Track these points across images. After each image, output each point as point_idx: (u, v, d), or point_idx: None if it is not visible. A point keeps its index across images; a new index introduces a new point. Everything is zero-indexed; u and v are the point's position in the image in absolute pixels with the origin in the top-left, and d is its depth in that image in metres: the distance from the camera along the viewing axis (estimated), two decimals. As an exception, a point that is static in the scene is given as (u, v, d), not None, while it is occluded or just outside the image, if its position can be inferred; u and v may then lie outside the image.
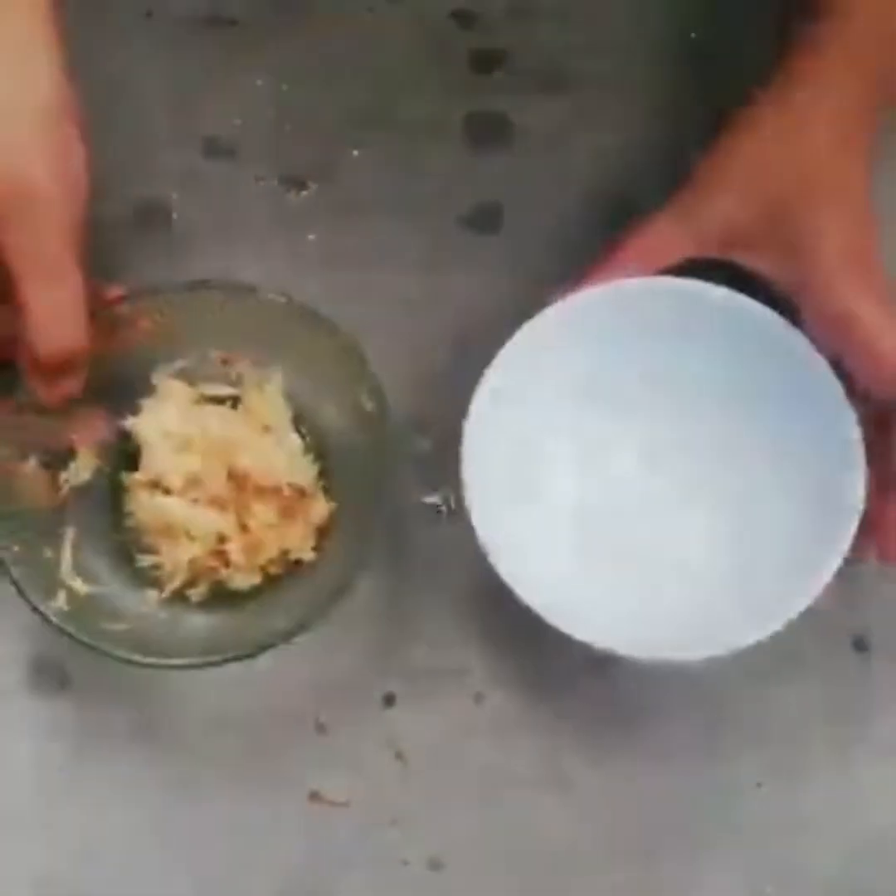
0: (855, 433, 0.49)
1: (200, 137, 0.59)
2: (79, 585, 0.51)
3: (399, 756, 0.54)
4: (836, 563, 0.48)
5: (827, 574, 0.48)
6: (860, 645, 0.55)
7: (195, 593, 0.53)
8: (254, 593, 0.54)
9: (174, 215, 0.59)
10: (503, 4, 0.61)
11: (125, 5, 0.60)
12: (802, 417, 0.51)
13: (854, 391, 0.50)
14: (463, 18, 0.61)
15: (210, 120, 0.59)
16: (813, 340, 0.50)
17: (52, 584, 0.50)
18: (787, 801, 0.54)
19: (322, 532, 0.54)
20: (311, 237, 0.58)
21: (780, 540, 0.51)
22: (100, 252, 0.58)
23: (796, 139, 0.50)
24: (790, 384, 0.51)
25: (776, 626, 0.48)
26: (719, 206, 0.50)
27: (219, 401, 0.55)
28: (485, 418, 0.50)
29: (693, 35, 0.60)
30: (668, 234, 0.51)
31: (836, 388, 0.50)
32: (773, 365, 0.51)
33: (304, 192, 0.59)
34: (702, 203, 0.50)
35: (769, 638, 0.48)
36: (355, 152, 0.59)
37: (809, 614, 0.55)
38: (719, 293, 0.50)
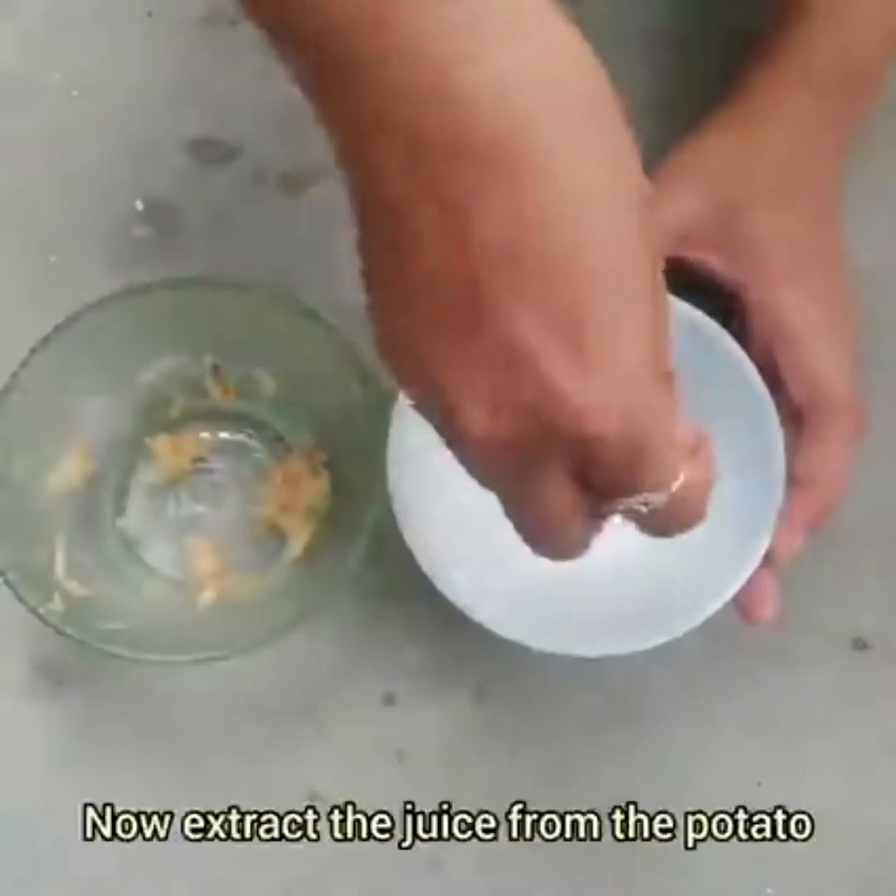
0: (779, 443, 0.50)
1: (200, 137, 0.59)
2: (74, 587, 0.51)
3: (399, 756, 0.54)
4: (754, 562, 0.49)
5: (746, 572, 0.49)
6: (860, 645, 0.55)
7: (202, 597, 0.54)
8: (252, 588, 0.54)
9: (174, 215, 0.59)
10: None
11: (125, 5, 0.60)
12: (730, 423, 0.51)
13: (779, 391, 0.50)
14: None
15: (210, 120, 0.59)
16: (751, 339, 0.51)
17: (47, 586, 0.50)
18: (787, 801, 0.54)
19: (321, 525, 0.54)
20: (310, 237, 0.58)
21: (702, 538, 0.51)
22: (100, 252, 0.58)
23: (754, 146, 0.51)
24: (722, 388, 0.51)
25: (689, 625, 0.49)
26: (677, 203, 0.51)
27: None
28: (409, 421, 0.50)
29: (692, 35, 0.60)
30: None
31: (766, 397, 0.50)
32: (708, 368, 0.51)
33: (304, 192, 0.59)
34: (660, 201, 0.51)
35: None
36: (355, 152, 0.59)
37: (809, 614, 0.55)
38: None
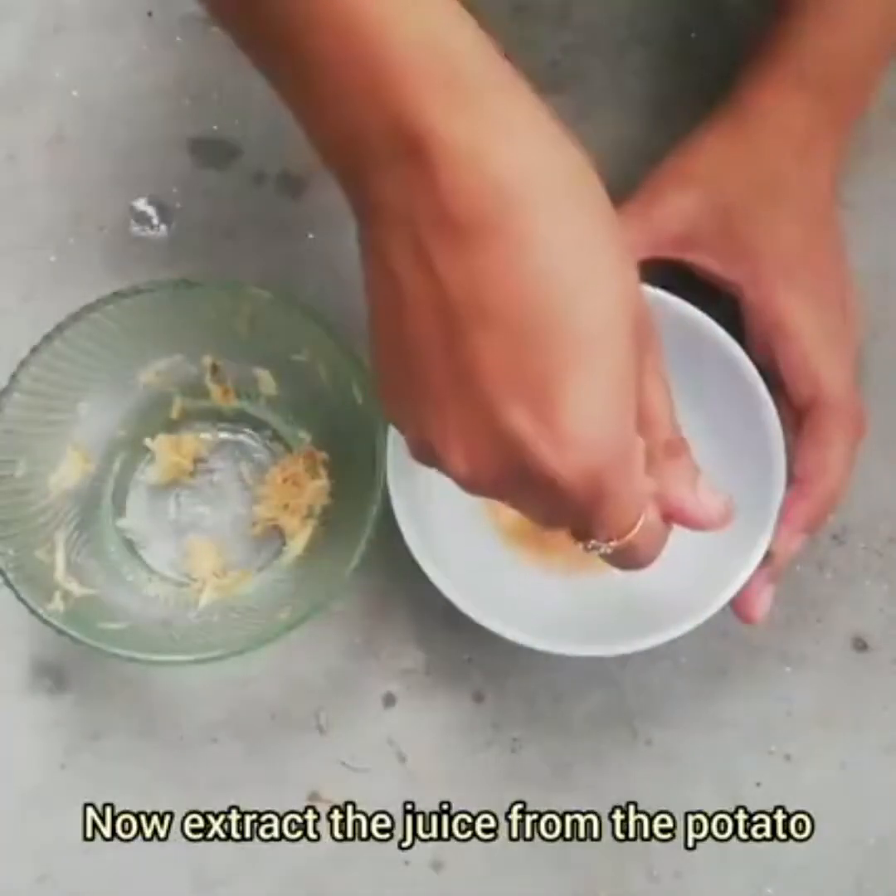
0: (779, 444, 0.50)
1: (201, 137, 0.59)
2: (75, 587, 0.51)
3: (399, 756, 0.54)
4: (754, 562, 0.49)
5: (746, 572, 0.49)
6: (860, 645, 0.55)
7: (202, 596, 0.54)
8: (252, 588, 0.54)
9: (173, 215, 0.59)
10: (503, 4, 0.61)
11: (125, 5, 0.60)
12: (730, 423, 0.51)
13: (779, 392, 0.51)
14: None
15: (210, 120, 0.59)
16: (751, 339, 0.51)
17: (47, 586, 0.50)
18: (787, 801, 0.54)
19: (321, 525, 0.54)
20: (310, 237, 0.58)
21: (703, 539, 0.51)
22: (100, 252, 0.58)
23: (750, 147, 0.52)
24: (723, 390, 0.51)
25: (688, 626, 0.49)
26: (675, 205, 0.51)
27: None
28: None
29: (692, 35, 0.60)
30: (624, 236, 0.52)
31: (765, 398, 0.50)
32: (709, 370, 0.51)
33: (304, 193, 0.59)
34: (658, 204, 0.52)
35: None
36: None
37: (810, 614, 0.55)
38: (664, 298, 0.51)
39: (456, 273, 0.34)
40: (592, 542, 0.38)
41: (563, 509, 0.36)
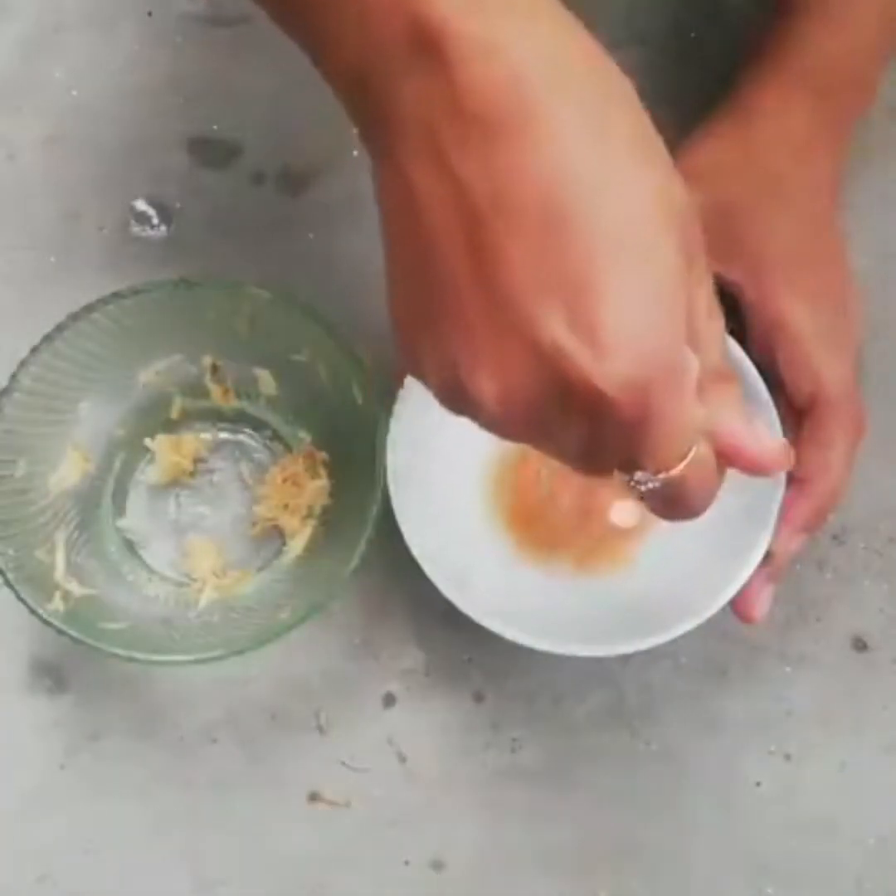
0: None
1: (200, 137, 0.59)
2: (75, 587, 0.51)
3: (399, 756, 0.54)
4: (754, 562, 0.49)
5: (746, 572, 0.49)
6: (860, 645, 0.55)
7: (202, 596, 0.54)
8: (252, 588, 0.54)
9: (173, 215, 0.59)
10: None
11: (125, 5, 0.60)
12: None
13: (779, 392, 0.51)
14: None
15: (210, 120, 0.59)
16: (751, 339, 0.51)
17: (47, 586, 0.50)
18: (787, 801, 0.54)
19: (321, 525, 0.54)
20: (310, 237, 0.58)
21: (703, 538, 0.51)
22: (99, 252, 0.58)
23: (750, 147, 0.52)
24: None
25: (689, 626, 0.49)
26: None
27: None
28: (408, 421, 0.50)
29: (692, 35, 0.60)
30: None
31: (766, 398, 0.50)
32: None
33: (304, 192, 0.59)
34: None
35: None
36: (355, 152, 0.59)
37: (810, 614, 0.55)
38: None
39: (476, 172, 0.31)
40: (639, 474, 0.34)
41: (607, 433, 0.32)
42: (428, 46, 0.31)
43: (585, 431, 0.33)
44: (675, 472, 0.34)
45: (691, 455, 0.34)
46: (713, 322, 0.35)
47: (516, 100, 0.31)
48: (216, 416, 0.56)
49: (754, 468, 0.36)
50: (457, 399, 0.34)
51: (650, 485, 0.34)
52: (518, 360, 0.32)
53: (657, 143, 0.33)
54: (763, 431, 0.36)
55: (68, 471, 0.53)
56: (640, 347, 0.31)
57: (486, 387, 0.32)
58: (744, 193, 0.51)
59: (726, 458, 0.36)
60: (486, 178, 0.31)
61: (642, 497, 0.35)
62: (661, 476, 0.34)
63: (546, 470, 0.54)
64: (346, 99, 0.35)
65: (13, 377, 0.50)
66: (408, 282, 0.34)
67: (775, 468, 0.36)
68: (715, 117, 0.53)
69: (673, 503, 0.35)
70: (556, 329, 0.31)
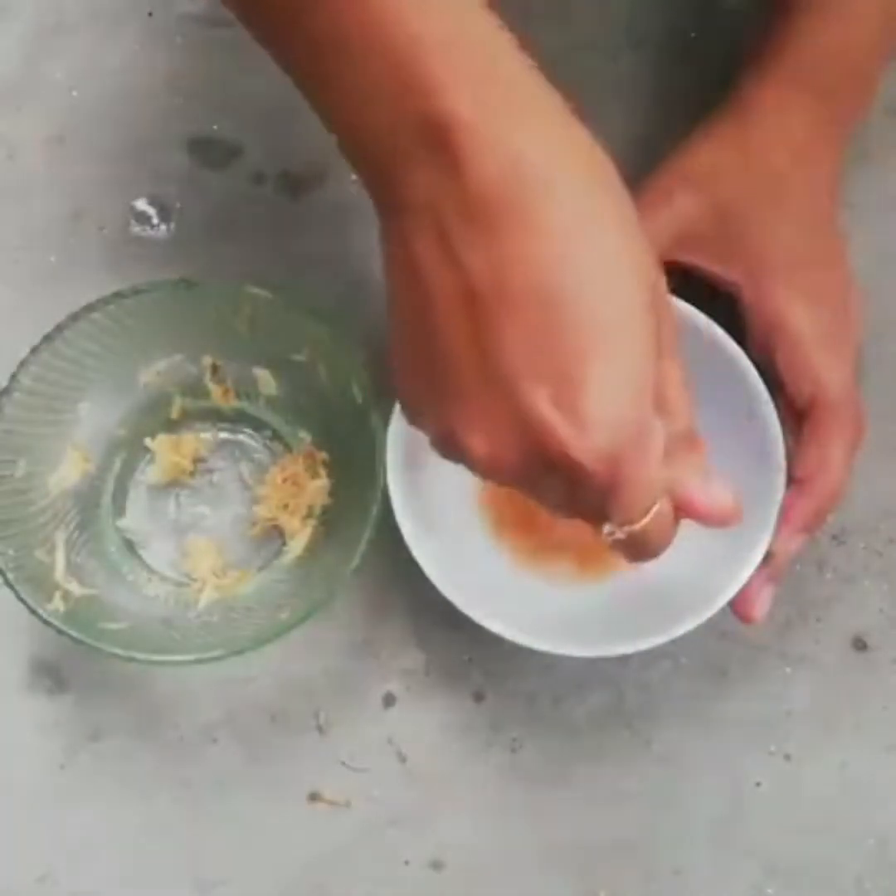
0: (779, 444, 0.50)
1: (200, 137, 0.59)
2: (75, 587, 0.51)
3: (399, 756, 0.54)
4: (754, 562, 0.49)
5: (746, 572, 0.49)
6: (860, 645, 0.55)
7: (202, 596, 0.54)
8: (252, 588, 0.54)
9: (173, 215, 0.59)
10: (503, 4, 0.61)
11: (125, 5, 0.60)
12: (730, 423, 0.51)
13: (779, 393, 0.51)
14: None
15: (210, 120, 0.59)
16: (751, 340, 0.51)
17: (47, 586, 0.50)
18: (787, 801, 0.54)
19: (321, 525, 0.54)
20: (310, 237, 0.58)
21: (703, 539, 0.51)
22: (100, 252, 0.58)
23: (748, 148, 0.52)
24: (723, 390, 0.51)
25: (689, 626, 0.49)
26: (673, 205, 0.51)
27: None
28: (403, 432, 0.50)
29: (692, 35, 0.60)
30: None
31: (766, 399, 0.50)
32: (709, 370, 0.51)
33: (304, 193, 0.59)
34: (658, 205, 0.52)
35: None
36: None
37: (810, 614, 0.55)
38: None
39: (479, 260, 0.34)
40: (607, 527, 0.38)
41: (582, 493, 0.37)
42: (437, 138, 0.34)
43: (563, 491, 0.37)
44: (638, 526, 0.38)
45: (655, 509, 0.38)
46: (684, 392, 0.39)
47: (517, 193, 0.34)
48: (216, 416, 0.56)
49: (705, 522, 0.40)
50: (450, 451, 0.38)
51: (617, 535, 0.38)
52: (507, 430, 0.36)
53: (633, 217, 0.36)
54: (718, 491, 0.40)
55: (68, 471, 0.53)
56: (614, 425, 0.35)
57: (478, 446, 0.36)
58: (743, 194, 0.51)
59: (682, 512, 0.40)
60: (488, 267, 0.34)
61: (611, 544, 0.39)
62: (627, 529, 0.38)
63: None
64: (358, 167, 0.37)
65: (13, 377, 0.50)
66: (410, 346, 0.37)
67: (724, 524, 0.40)
68: (714, 118, 0.53)
69: (635, 549, 0.40)
70: (542, 406, 0.35)
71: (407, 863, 0.54)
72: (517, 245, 0.34)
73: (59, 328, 0.50)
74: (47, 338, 0.50)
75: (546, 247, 0.34)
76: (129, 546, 0.55)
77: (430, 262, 0.35)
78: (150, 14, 0.61)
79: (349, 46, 0.34)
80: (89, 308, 0.50)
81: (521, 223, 0.34)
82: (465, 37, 0.34)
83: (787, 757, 0.54)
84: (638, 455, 0.36)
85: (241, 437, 0.57)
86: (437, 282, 0.35)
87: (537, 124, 0.35)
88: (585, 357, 0.34)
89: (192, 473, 0.56)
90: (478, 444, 0.36)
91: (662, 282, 0.37)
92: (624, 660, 0.54)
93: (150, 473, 0.56)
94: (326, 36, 0.35)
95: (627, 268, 0.35)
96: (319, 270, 0.58)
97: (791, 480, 0.50)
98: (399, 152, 0.35)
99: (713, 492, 0.40)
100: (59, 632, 0.49)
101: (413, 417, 0.39)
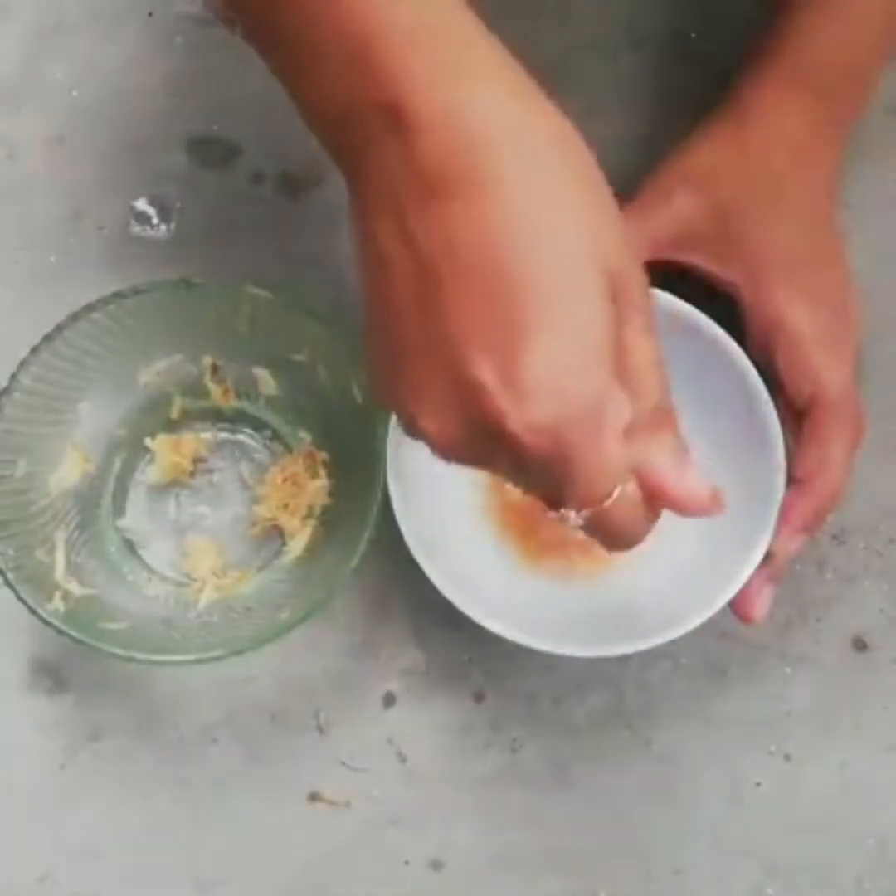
0: (778, 445, 0.50)
1: (200, 137, 0.59)
2: (75, 587, 0.51)
3: (399, 756, 0.54)
4: (754, 562, 0.49)
5: (746, 573, 0.49)
6: (860, 645, 0.55)
7: (202, 596, 0.54)
8: (252, 588, 0.54)
9: (173, 215, 0.59)
10: (503, 4, 0.61)
11: (125, 5, 0.60)
12: (730, 423, 0.51)
13: (779, 393, 0.51)
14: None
15: (209, 120, 0.59)
16: (750, 340, 0.51)
17: (47, 586, 0.50)
18: (787, 801, 0.54)
19: (321, 525, 0.54)
20: (310, 236, 0.58)
21: (703, 539, 0.51)
22: (99, 252, 0.58)
23: (747, 148, 0.52)
24: (722, 390, 0.51)
25: (689, 626, 0.49)
26: (672, 206, 0.51)
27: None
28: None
29: (693, 35, 0.60)
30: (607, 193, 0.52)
31: (765, 399, 0.50)
32: (708, 370, 0.51)
33: (303, 193, 0.59)
34: (657, 205, 0.52)
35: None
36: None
37: (810, 614, 0.55)
38: (663, 297, 0.51)
39: (429, 232, 0.34)
40: (563, 510, 0.37)
41: (529, 470, 0.35)
42: (391, 111, 0.34)
43: (510, 468, 0.36)
44: (598, 510, 0.36)
45: (616, 493, 0.36)
46: (656, 370, 0.37)
47: (468, 165, 0.34)
48: (216, 416, 0.56)
49: (678, 510, 0.38)
50: (412, 430, 0.37)
51: (576, 519, 0.37)
52: (451, 401, 0.35)
53: (600, 191, 0.35)
54: (691, 476, 0.37)
55: (68, 471, 0.53)
56: (555, 396, 0.34)
57: (428, 425, 0.36)
58: (742, 194, 0.51)
59: (653, 498, 0.37)
60: (437, 238, 0.34)
61: (583, 532, 0.38)
62: (584, 513, 0.36)
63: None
64: (321, 136, 0.37)
65: (13, 377, 0.50)
66: (375, 325, 0.37)
67: (700, 513, 0.37)
68: (713, 118, 0.53)
69: (605, 537, 0.38)
70: (483, 376, 0.34)
71: (407, 863, 0.54)
72: (466, 215, 0.34)
73: (59, 328, 0.50)
74: (47, 338, 0.50)
75: (493, 216, 0.34)
76: (129, 546, 0.55)
77: (387, 238, 0.35)
78: (149, 14, 0.61)
79: (319, 34, 0.35)
80: (89, 308, 0.50)
81: (471, 193, 0.34)
82: (425, 14, 0.34)
83: (787, 757, 0.54)
84: (586, 430, 0.34)
85: (241, 437, 0.57)
86: (393, 257, 0.35)
87: (494, 96, 0.34)
88: (528, 327, 0.33)
89: (192, 473, 0.56)
90: (428, 423, 0.36)
91: (630, 250, 0.36)
92: (624, 660, 0.54)
93: (150, 473, 0.56)
94: (297, 26, 0.35)
95: (576, 235, 0.34)
96: (319, 270, 0.58)
97: (791, 480, 0.50)
98: (360, 130, 0.35)
99: (686, 477, 0.37)
100: (59, 632, 0.49)
101: (379, 398, 0.38)
